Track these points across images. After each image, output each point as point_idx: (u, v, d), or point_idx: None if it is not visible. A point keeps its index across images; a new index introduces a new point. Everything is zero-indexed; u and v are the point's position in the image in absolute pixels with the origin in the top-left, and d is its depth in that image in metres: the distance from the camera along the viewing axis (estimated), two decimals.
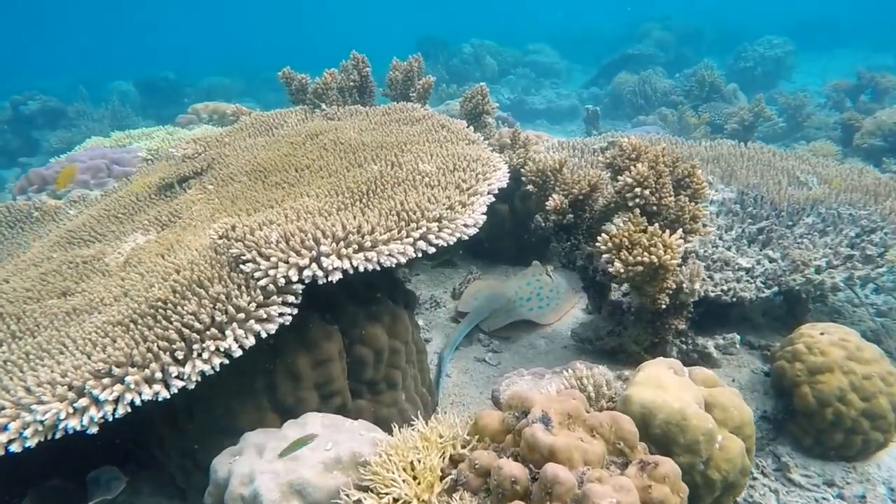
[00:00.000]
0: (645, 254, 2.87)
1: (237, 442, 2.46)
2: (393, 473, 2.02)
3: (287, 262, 2.52)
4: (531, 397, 2.12)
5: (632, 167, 3.19)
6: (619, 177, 3.22)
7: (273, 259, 2.53)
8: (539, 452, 1.91)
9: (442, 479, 2.04)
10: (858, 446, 3.15)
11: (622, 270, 2.93)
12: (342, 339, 2.90)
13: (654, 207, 3.17)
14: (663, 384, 2.50)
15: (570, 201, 3.57)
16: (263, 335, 2.44)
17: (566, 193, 3.60)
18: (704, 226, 3.19)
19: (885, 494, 3.08)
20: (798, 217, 4.31)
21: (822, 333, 3.33)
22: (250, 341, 2.40)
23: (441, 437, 2.19)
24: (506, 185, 3.59)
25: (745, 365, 3.85)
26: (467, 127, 4.33)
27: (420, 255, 2.74)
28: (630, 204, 3.14)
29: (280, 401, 2.75)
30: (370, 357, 2.95)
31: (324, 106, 5.02)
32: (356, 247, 2.59)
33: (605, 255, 3.04)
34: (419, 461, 2.06)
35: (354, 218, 2.79)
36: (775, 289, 3.68)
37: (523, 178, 4.07)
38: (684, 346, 3.58)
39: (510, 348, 4.28)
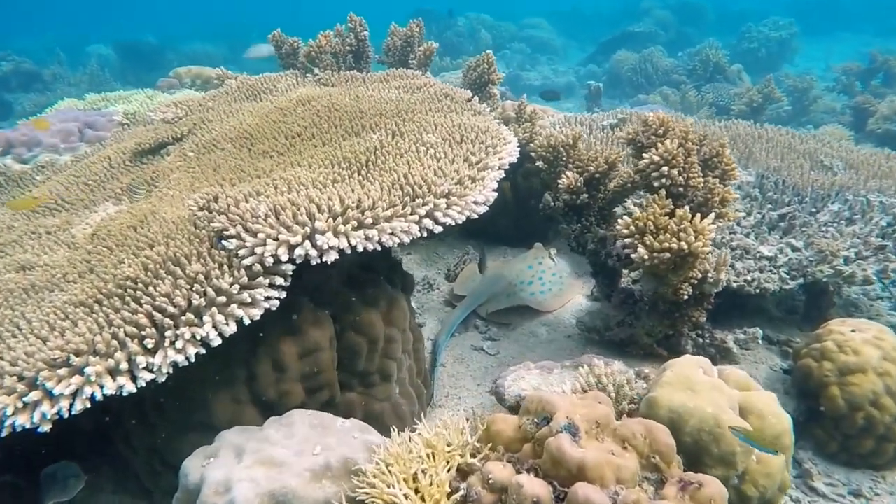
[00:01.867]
0: (673, 240, 2.59)
1: (211, 440, 2.18)
2: (393, 488, 1.75)
3: (276, 240, 2.21)
4: (554, 401, 1.85)
5: (658, 144, 2.89)
6: (643, 154, 2.93)
7: (261, 235, 2.22)
8: (566, 468, 1.65)
9: (449, 495, 1.77)
10: (890, 455, 2.93)
11: (646, 257, 2.65)
12: (333, 326, 2.61)
13: (681, 189, 2.89)
14: (694, 386, 2.24)
15: (585, 179, 3.28)
16: (247, 321, 2.14)
17: (581, 171, 3.31)
18: (736, 210, 2.91)
19: None
20: (823, 203, 4.06)
21: (853, 331, 3.09)
22: (231, 328, 2.10)
23: (449, 445, 1.91)
24: (516, 160, 3.29)
25: (762, 361, 3.61)
26: (472, 97, 4.01)
27: (425, 234, 2.44)
28: (656, 184, 2.86)
29: (261, 394, 2.46)
30: (364, 346, 2.66)
31: (317, 70, 4.65)
32: (355, 223, 2.28)
33: (626, 240, 2.76)
34: (424, 473, 1.79)
35: (353, 191, 2.48)
36: (800, 280, 3.43)
37: (532, 154, 3.76)
38: (701, 340, 3.33)
39: (509, 336, 4.01)
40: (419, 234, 2.39)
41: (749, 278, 3.29)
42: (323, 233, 2.21)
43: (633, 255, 2.70)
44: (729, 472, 2.06)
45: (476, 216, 2.62)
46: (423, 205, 2.43)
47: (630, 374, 2.44)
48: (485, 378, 3.57)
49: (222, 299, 2.09)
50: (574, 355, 3.68)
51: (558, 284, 4.39)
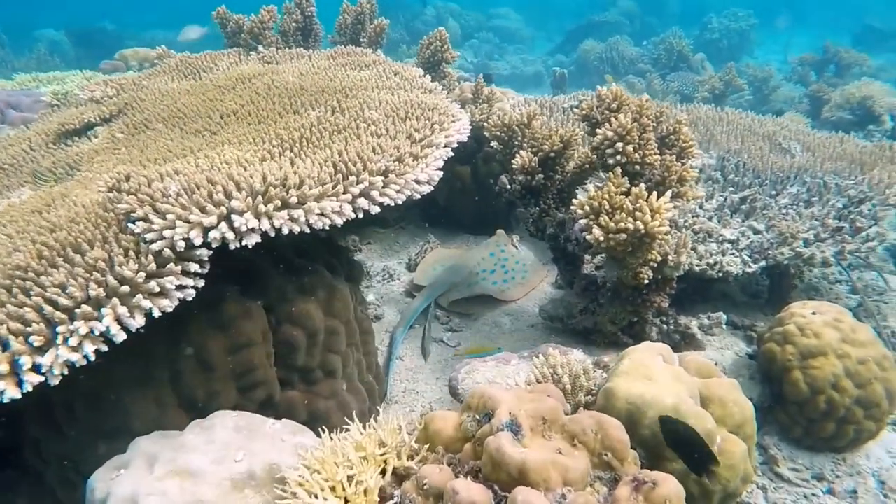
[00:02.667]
0: (629, 219, 2.43)
1: None
2: (316, 498, 1.54)
3: (188, 221, 1.97)
4: (496, 396, 1.66)
5: (612, 118, 2.73)
6: (597, 129, 2.76)
7: (170, 217, 1.98)
8: (506, 471, 1.46)
9: (382, 502, 1.57)
10: (850, 436, 2.84)
11: (601, 238, 2.48)
12: (267, 318, 2.39)
13: (637, 167, 2.73)
14: (653, 374, 2.08)
15: (539, 159, 3.10)
16: (157, 313, 1.90)
17: (535, 150, 3.13)
18: (693, 189, 2.77)
19: (875, 488, 2.78)
20: (782, 186, 3.96)
21: (814, 313, 2.99)
22: (138, 321, 1.86)
23: (383, 446, 1.71)
24: (466, 139, 3.09)
25: (727, 347, 3.50)
26: (424, 76, 3.80)
27: (360, 215, 2.23)
28: (610, 161, 2.69)
29: (187, 394, 2.22)
30: (302, 339, 2.44)
31: (260, 48, 4.38)
32: (278, 203, 2.06)
33: (580, 221, 2.59)
34: (351, 480, 1.59)
35: (280, 168, 2.25)
36: (763, 263, 3.32)
37: (486, 134, 3.57)
38: (665, 327, 3.20)
39: (471, 327, 3.83)
40: (353, 215, 2.18)
41: (711, 261, 3.16)
42: (241, 213, 1.98)
43: (588, 237, 2.53)
44: None
45: (418, 196, 2.42)
46: (358, 183, 2.22)
47: (588, 364, 2.27)
48: (444, 371, 3.39)
49: (126, 289, 1.85)
50: (537, 345, 3.52)
51: (521, 272, 4.22)
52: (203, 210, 2.00)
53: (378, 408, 2.95)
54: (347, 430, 1.80)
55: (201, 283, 2.01)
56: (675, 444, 1.82)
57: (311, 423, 2.50)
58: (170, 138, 3.08)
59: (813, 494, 2.75)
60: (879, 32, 16.02)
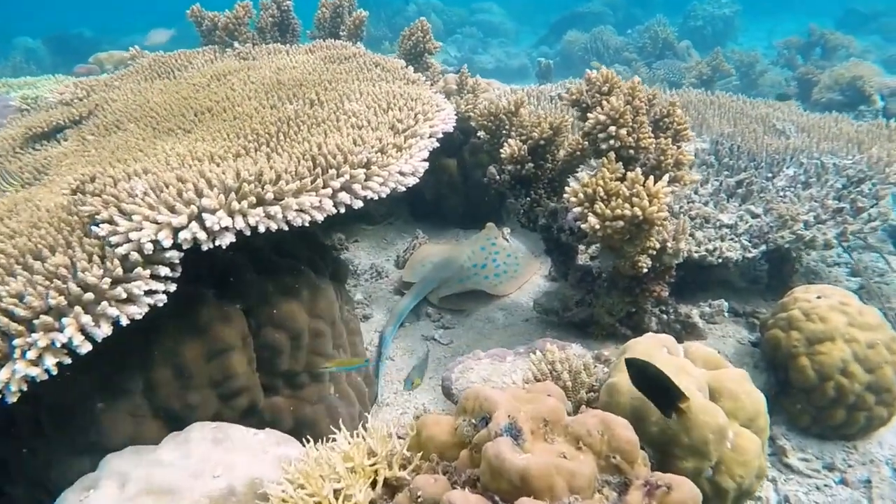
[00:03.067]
0: (626, 206, 2.31)
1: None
2: None
3: (156, 222, 1.83)
4: (492, 397, 1.54)
5: (604, 102, 2.61)
6: (588, 114, 2.64)
7: (136, 218, 1.84)
8: (507, 479, 1.34)
9: None
10: (861, 423, 2.74)
11: (597, 227, 2.37)
12: (247, 321, 2.25)
13: (631, 151, 2.62)
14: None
15: (529, 147, 2.98)
16: (125, 321, 1.77)
17: (524, 138, 3.01)
18: (689, 173, 2.65)
19: (890, 476, 2.68)
20: (778, 168, 3.86)
21: (818, 297, 2.89)
22: (103, 331, 1.72)
23: (373, 455, 1.59)
24: (452, 131, 2.97)
25: (729, 335, 3.39)
26: (406, 67, 3.67)
27: (342, 210, 2.10)
28: (603, 147, 2.57)
29: (163, 405, 2.09)
30: (285, 342, 2.31)
31: (236, 45, 4.23)
32: (253, 200, 1.92)
33: (574, 210, 2.47)
34: (339, 494, 1.46)
35: (255, 164, 2.12)
36: (763, 247, 3.22)
37: (473, 124, 3.45)
38: (665, 317, 3.09)
39: (464, 323, 3.70)
40: (334, 211, 2.05)
41: (711, 247, 3.05)
42: (213, 212, 1.84)
43: (583, 226, 2.41)
44: (702, 463, 1.80)
45: (403, 189, 2.29)
46: (338, 176, 2.09)
47: (588, 359, 2.15)
48: (437, 370, 3.26)
49: (90, 296, 1.71)
50: (533, 340, 3.40)
51: (513, 266, 4.10)
52: (172, 210, 1.86)
53: (368, 412, 2.82)
54: (334, 439, 1.67)
55: (173, 288, 1.88)
56: (644, 387, 1.75)
57: (297, 429, 2.37)
58: (141, 138, 2.93)
59: (825, 485, 2.65)
60: (862, 15, 16.03)
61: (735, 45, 15.25)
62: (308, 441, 1.75)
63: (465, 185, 4.67)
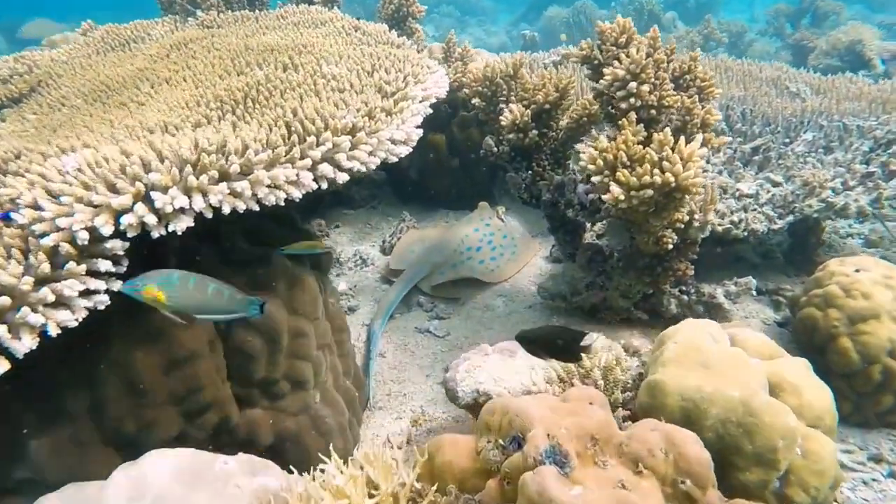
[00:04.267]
0: (655, 172, 1.98)
1: None
2: None
3: (92, 204, 1.46)
4: (526, 411, 1.21)
5: (622, 55, 2.27)
6: (604, 70, 2.30)
7: (66, 200, 1.47)
8: None
9: None
10: None
11: (622, 198, 2.04)
12: (214, 323, 1.90)
13: (653, 112, 2.29)
14: (709, 360, 1.65)
15: (532, 113, 2.64)
16: (54, 330, 1.40)
17: (527, 102, 2.67)
18: (718, 135, 2.33)
19: None
20: (796, 133, 3.57)
21: (857, 270, 2.61)
22: (26, 343, 1.36)
23: (374, 489, 1.25)
24: (445, 95, 2.62)
25: (752, 315, 3.11)
26: (389, 31, 3.30)
27: (324, 185, 1.75)
28: (623, 106, 2.24)
29: (114, 429, 1.73)
30: (261, 346, 1.96)
31: (199, 13, 3.81)
32: (215, 174, 1.56)
33: (594, 179, 2.14)
34: None
35: (218, 132, 1.75)
36: (790, 218, 2.92)
37: (465, 92, 3.10)
38: (686, 298, 2.78)
39: (460, 312, 3.37)
40: (314, 186, 1.70)
41: (736, 219, 2.75)
42: (164, 189, 1.48)
43: (604, 198, 2.09)
44: (769, 474, 1.50)
45: (395, 159, 1.94)
46: (318, 145, 1.73)
47: (618, 351, 1.84)
48: (434, 367, 2.93)
49: (5, 301, 1.34)
50: None
51: (511, 248, 3.77)
52: (113, 189, 1.49)
53: (359, 419, 2.49)
54: (323, 469, 1.33)
55: (118, 286, 1.51)
56: (544, 351, 1.58)
57: (278, 445, 2.03)
58: (89, 114, 2.54)
59: (873, 479, 2.37)
60: None
61: (716, 17, 14.99)
62: (292, 468, 1.41)
63: (455, 163, 4.32)
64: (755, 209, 2.99)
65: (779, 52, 9.28)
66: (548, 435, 1.14)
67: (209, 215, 1.55)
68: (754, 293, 2.77)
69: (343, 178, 1.79)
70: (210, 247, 1.96)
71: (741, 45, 9.73)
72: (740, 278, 2.80)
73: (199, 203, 1.50)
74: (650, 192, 2.00)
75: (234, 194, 1.57)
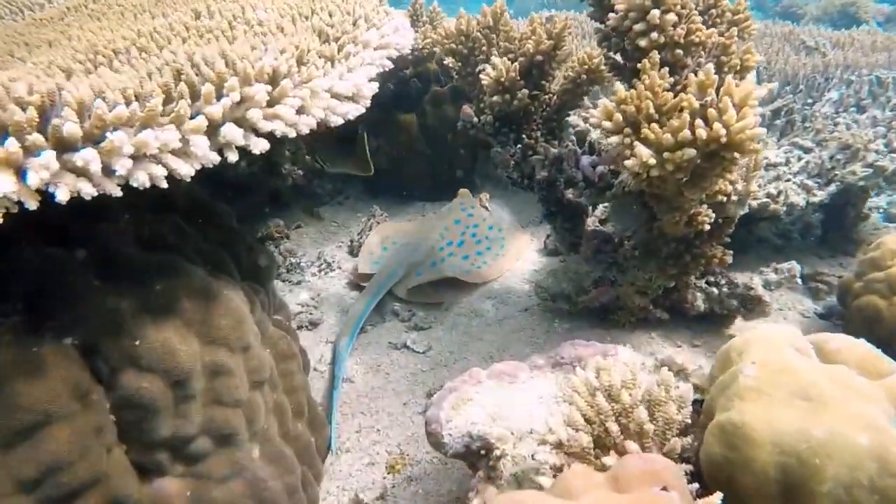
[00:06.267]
0: (698, 124, 1.45)
1: None
2: None
3: None
4: None
5: None
6: (614, 2, 1.76)
7: None
8: None
9: None
10: None
11: (652, 163, 1.50)
12: (89, 365, 1.32)
13: (679, 52, 1.75)
14: (808, 387, 1.13)
15: (521, 67, 2.10)
16: None
17: (513, 56, 2.12)
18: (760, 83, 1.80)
19: None
20: (820, 92, 3.08)
21: None
22: None
23: None
24: (409, 51, 2.07)
25: (787, 306, 2.60)
26: None
27: (232, 157, 1.18)
28: (642, 44, 1.70)
29: None
30: (160, 392, 1.38)
31: None
32: (41, 140, 0.98)
33: (612, 140, 1.59)
34: None
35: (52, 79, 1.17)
36: (832, 188, 2.42)
37: (437, 51, 2.54)
38: (715, 290, 2.26)
39: (443, 320, 2.81)
40: (214, 158, 1.13)
41: (773, 191, 2.24)
42: None
43: (627, 164, 1.54)
44: None
45: (340, 121, 1.38)
46: (219, 97, 1.16)
47: (665, 376, 1.29)
48: (414, 391, 2.37)
49: None
50: (539, 340, 2.54)
51: (498, 241, 3.23)
52: None
53: (319, 473, 1.92)
54: None
55: None
56: None
57: None
58: None
59: None
60: None
61: None
62: None
63: (429, 146, 3.76)
64: (788, 179, 2.48)
65: (771, 17, 8.87)
66: None
67: (33, 206, 0.97)
68: (799, 281, 2.26)
69: (260, 145, 1.22)
70: (71, 254, 1.38)
71: None
72: (781, 264, 2.28)
73: (6, 187, 0.92)
74: (691, 151, 1.46)
75: (74, 171, 1.00)
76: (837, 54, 3.31)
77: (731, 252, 2.12)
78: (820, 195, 2.46)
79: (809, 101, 3.08)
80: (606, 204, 2.56)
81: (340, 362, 2.42)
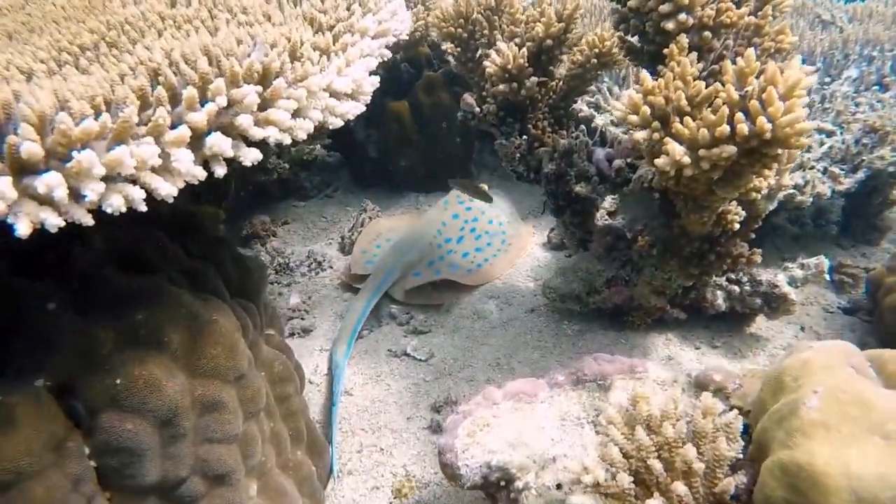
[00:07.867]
0: (739, 117, 1.30)
1: None
2: None
3: None
4: None
5: None
6: None
7: None
8: None
9: None
10: None
11: (686, 161, 1.35)
12: (65, 408, 1.17)
13: (707, 34, 1.60)
14: (884, 420, 1.00)
15: (529, 52, 1.93)
16: None
17: (520, 41, 1.96)
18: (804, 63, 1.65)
19: None
20: (839, 69, 2.94)
21: None
22: None
23: None
24: (407, 33, 1.90)
25: (810, 300, 2.49)
26: None
27: (219, 171, 1.02)
28: (669, 26, 1.55)
29: None
30: (148, 433, 1.23)
31: None
32: None
33: (638, 136, 1.44)
34: None
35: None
36: (861, 175, 2.30)
37: (434, 35, 2.37)
38: (736, 289, 2.14)
39: (444, 323, 2.66)
40: (200, 174, 0.97)
41: (800, 181, 2.11)
42: None
43: (657, 163, 1.40)
44: None
45: (339, 122, 1.22)
46: (203, 103, 0.99)
47: (709, 403, 1.16)
48: (417, 404, 2.22)
49: None
50: (549, 344, 2.40)
51: (500, 235, 3.08)
52: None
53: (320, 500, 1.78)
54: None
55: None
56: None
57: None
58: None
59: None
60: None
61: None
62: None
63: (422, 135, 3.58)
64: (812, 167, 2.35)
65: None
66: None
67: None
68: (828, 277, 2.14)
69: (252, 155, 1.05)
70: (44, 284, 1.21)
71: None
72: (807, 259, 2.15)
73: None
74: (731, 148, 1.32)
75: (36, 199, 0.83)
76: (856, 28, 3.16)
77: (760, 251, 1.99)
78: (847, 183, 2.33)
79: (828, 79, 2.94)
80: (613, 196, 2.43)
81: (338, 375, 2.27)
